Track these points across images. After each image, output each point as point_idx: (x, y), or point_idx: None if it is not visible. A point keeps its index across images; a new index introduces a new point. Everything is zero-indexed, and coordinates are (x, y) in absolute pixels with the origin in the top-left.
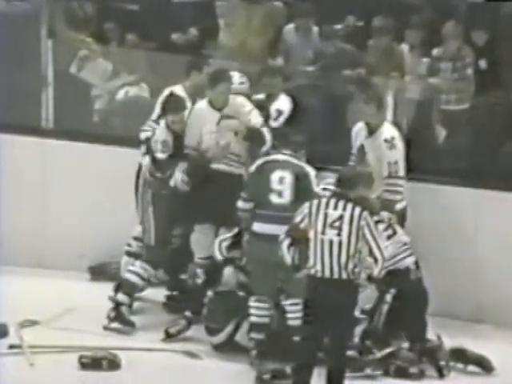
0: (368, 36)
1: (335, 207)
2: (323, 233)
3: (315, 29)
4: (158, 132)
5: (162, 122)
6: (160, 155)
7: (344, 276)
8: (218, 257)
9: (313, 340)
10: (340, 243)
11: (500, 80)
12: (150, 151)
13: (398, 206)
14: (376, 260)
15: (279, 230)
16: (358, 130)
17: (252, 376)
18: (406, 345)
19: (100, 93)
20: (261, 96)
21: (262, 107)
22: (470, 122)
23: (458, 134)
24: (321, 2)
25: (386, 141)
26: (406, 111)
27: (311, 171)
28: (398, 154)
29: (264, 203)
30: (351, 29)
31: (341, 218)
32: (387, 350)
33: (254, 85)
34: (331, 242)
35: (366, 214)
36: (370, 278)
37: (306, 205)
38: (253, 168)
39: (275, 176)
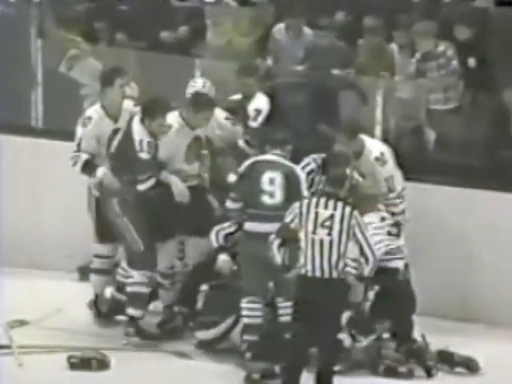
0: (358, 34)
1: (326, 206)
2: (314, 232)
3: (306, 29)
4: (137, 133)
5: (139, 123)
6: (145, 155)
7: (334, 275)
8: (214, 244)
9: (302, 339)
10: (331, 242)
11: (489, 78)
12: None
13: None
14: (367, 259)
15: (272, 228)
16: None
17: (241, 376)
18: (387, 335)
19: (89, 92)
20: (237, 96)
21: (239, 108)
22: (459, 121)
23: (448, 133)
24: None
25: (377, 159)
26: (395, 111)
27: (301, 174)
28: (391, 166)
29: (255, 204)
30: (340, 24)
31: (332, 217)
32: (372, 337)
33: (232, 85)
34: (322, 242)
35: (356, 213)
36: (360, 278)
37: (297, 205)
38: (242, 168)
39: (266, 177)
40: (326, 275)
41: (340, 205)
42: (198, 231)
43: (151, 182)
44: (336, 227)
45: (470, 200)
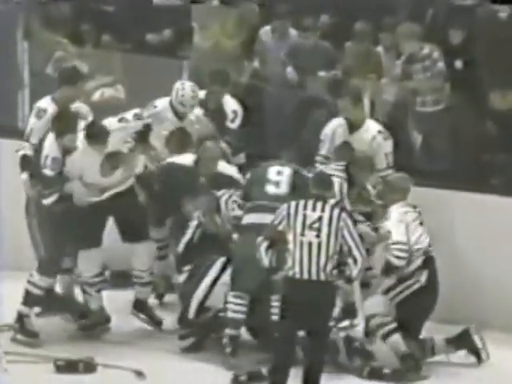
0: (344, 37)
1: (314, 209)
2: (302, 234)
3: (291, 30)
4: (47, 148)
5: (51, 138)
6: (48, 172)
7: (322, 277)
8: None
9: (289, 340)
10: (319, 244)
11: (475, 80)
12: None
13: None
14: (355, 260)
15: (269, 219)
16: (336, 127)
17: (228, 377)
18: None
19: None
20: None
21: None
22: (445, 123)
23: (434, 135)
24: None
25: (380, 132)
26: (382, 113)
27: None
28: (391, 144)
29: (259, 194)
30: (326, 27)
31: (320, 219)
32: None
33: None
34: (310, 244)
35: (344, 215)
36: (348, 280)
37: (284, 206)
38: (248, 174)
39: (273, 169)
40: (314, 277)
41: (328, 207)
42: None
43: (53, 198)
44: (324, 229)
45: (459, 202)
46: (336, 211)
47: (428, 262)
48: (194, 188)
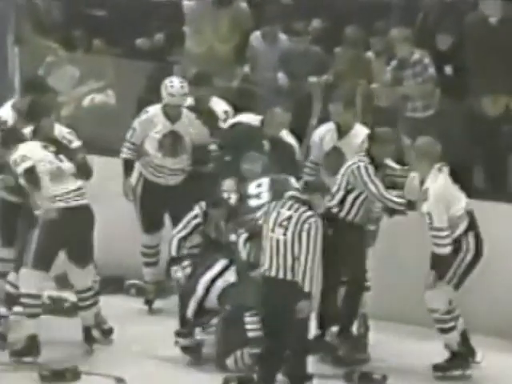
0: (336, 42)
1: (289, 208)
2: (273, 230)
3: (281, 35)
4: None
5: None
6: None
7: (288, 277)
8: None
9: (273, 344)
10: (285, 243)
11: (466, 86)
12: None
13: None
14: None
15: None
16: (325, 133)
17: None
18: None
19: (67, 99)
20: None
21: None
22: (436, 128)
23: None
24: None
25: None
26: (372, 119)
27: (292, 178)
28: None
29: (245, 211)
30: (318, 32)
31: (289, 218)
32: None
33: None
34: (278, 241)
35: (313, 220)
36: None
37: (267, 204)
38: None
39: (253, 184)
40: (281, 276)
41: (302, 208)
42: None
43: None
44: (291, 228)
45: None
46: (307, 213)
47: (470, 222)
48: (257, 148)
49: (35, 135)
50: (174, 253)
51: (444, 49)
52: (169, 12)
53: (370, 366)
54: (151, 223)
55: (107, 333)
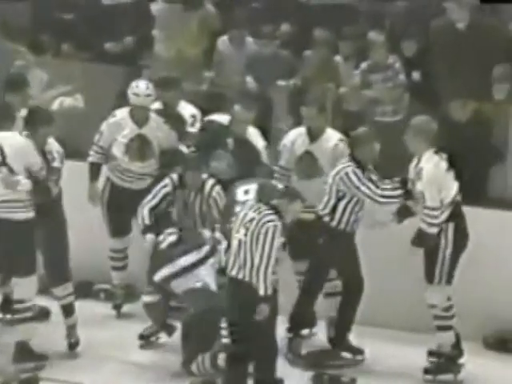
0: (304, 46)
1: (255, 210)
2: (237, 231)
3: (248, 39)
4: None
5: None
6: None
7: (247, 278)
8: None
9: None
10: (245, 244)
11: (434, 91)
12: None
13: None
14: (258, 279)
15: None
16: (296, 137)
17: None
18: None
19: (35, 103)
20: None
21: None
22: (404, 133)
23: (394, 145)
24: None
25: (341, 140)
26: (341, 122)
27: (278, 185)
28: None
29: (229, 217)
30: (286, 36)
31: (251, 220)
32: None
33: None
34: (240, 242)
35: (271, 224)
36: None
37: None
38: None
39: (241, 189)
40: (240, 276)
41: (266, 212)
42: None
43: None
44: (251, 230)
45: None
46: (268, 217)
47: (453, 213)
48: (224, 146)
49: None
50: (147, 221)
51: (409, 55)
52: (138, 15)
53: (356, 369)
54: (118, 228)
55: (73, 346)
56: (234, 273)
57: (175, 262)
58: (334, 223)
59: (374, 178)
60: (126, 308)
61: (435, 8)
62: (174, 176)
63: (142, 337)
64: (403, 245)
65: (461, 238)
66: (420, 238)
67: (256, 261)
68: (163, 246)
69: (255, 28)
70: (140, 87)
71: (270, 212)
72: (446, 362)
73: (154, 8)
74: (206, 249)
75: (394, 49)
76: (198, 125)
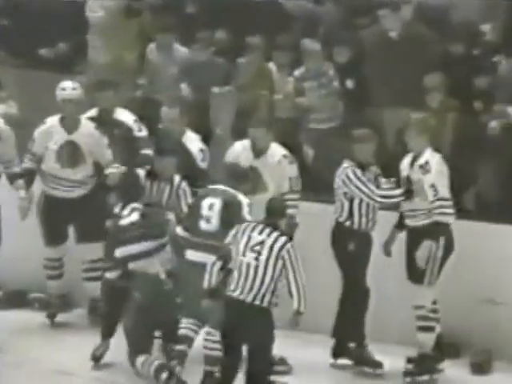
0: (238, 53)
1: (260, 232)
2: (243, 255)
3: (178, 46)
4: None
5: None
6: None
7: (257, 302)
8: None
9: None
10: (256, 268)
11: (368, 98)
12: None
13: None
14: (291, 295)
15: (206, 258)
16: (241, 151)
17: None
18: None
19: None
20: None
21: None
22: (339, 140)
23: (328, 152)
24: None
25: (285, 156)
26: (275, 131)
27: (244, 200)
28: (296, 167)
29: (194, 229)
30: (221, 43)
31: (262, 242)
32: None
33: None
34: (249, 265)
35: (289, 246)
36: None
37: (236, 227)
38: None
39: (206, 202)
40: (249, 300)
41: (275, 234)
42: None
43: None
44: (264, 253)
45: None
46: (282, 240)
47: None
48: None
49: None
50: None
51: (341, 61)
52: (72, 22)
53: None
54: (54, 236)
55: None
56: (241, 296)
57: (136, 244)
58: (355, 226)
59: (379, 178)
60: (60, 317)
61: (368, 16)
62: None
63: (94, 357)
64: None
65: (450, 241)
66: (436, 231)
67: (292, 287)
68: (125, 222)
69: (189, 34)
70: (66, 83)
71: (277, 234)
72: (423, 363)
73: (93, 16)
74: (166, 237)
75: (327, 56)
76: (144, 129)
